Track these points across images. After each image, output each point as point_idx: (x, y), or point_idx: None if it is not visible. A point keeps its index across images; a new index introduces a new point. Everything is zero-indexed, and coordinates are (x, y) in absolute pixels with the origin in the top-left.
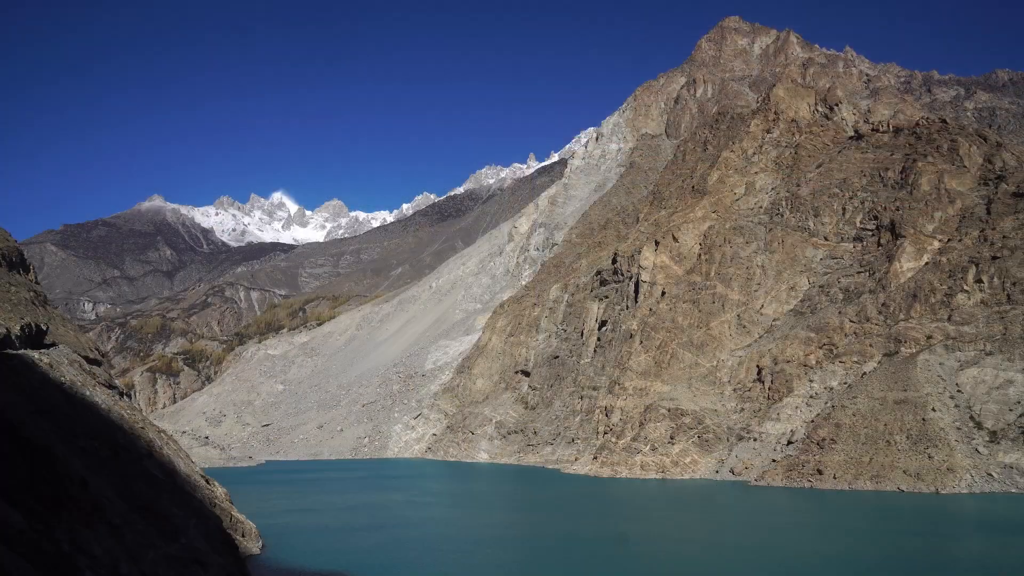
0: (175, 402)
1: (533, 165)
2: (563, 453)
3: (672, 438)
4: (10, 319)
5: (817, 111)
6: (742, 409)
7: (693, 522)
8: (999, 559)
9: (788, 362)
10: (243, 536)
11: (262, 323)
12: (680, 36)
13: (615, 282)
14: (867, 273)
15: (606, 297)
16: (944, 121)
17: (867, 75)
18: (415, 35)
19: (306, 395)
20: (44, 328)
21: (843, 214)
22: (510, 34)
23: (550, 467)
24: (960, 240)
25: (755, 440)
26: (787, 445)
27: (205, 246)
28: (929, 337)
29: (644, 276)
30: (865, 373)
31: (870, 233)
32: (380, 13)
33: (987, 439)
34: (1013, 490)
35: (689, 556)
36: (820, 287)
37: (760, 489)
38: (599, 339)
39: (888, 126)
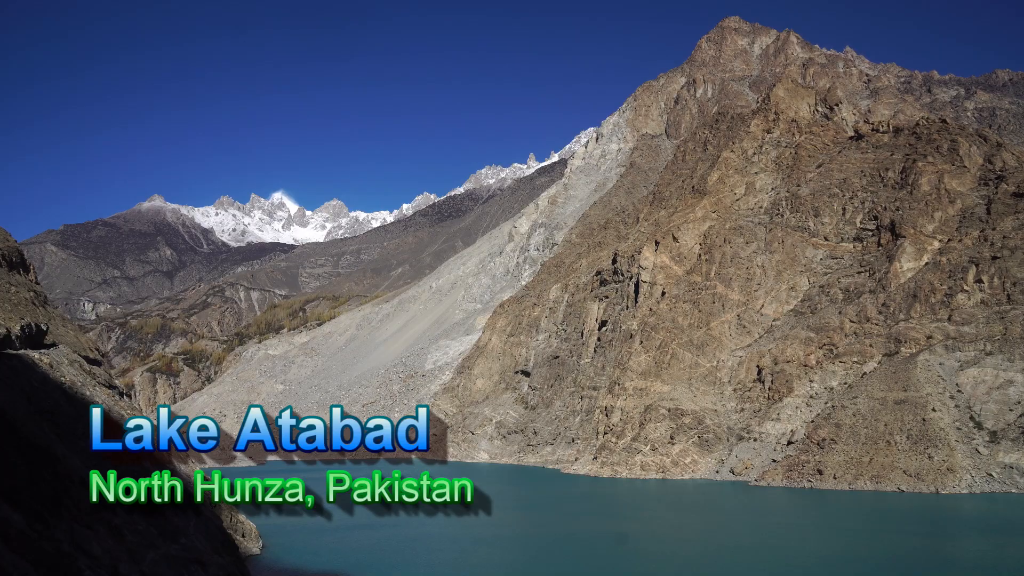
0: (175, 402)
1: (533, 165)
2: (563, 453)
3: (672, 438)
4: (10, 319)
5: (817, 111)
6: (742, 409)
7: (693, 522)
8: (999, 559)
9: (788, 362)
10: (243, 536)
11: (262, 323)
12: (680, 36)
13: (615, 282)
14: (867, 273)
15: (606, 297)
16: (944, 121)
17: (867, 75)
18: (415, 35)
19: (306, 395)
20: (44, 328)
21: (843, 214)
22: (510, 34)
23: (550, 467)
24: (960, 240)
25: (755, 440)
26: (787, 445)
27: (205, 246)
28: (929, 337)
29: (644, 276)
30: (865, 373)
31: (870, 233)
32: (380, 13)
33: (987, 439)
34: (1013, 490)
35: (689, 556)
36: (820, 287)
37: (760, 489)
38: (599, 339)
39: (888, 126)
